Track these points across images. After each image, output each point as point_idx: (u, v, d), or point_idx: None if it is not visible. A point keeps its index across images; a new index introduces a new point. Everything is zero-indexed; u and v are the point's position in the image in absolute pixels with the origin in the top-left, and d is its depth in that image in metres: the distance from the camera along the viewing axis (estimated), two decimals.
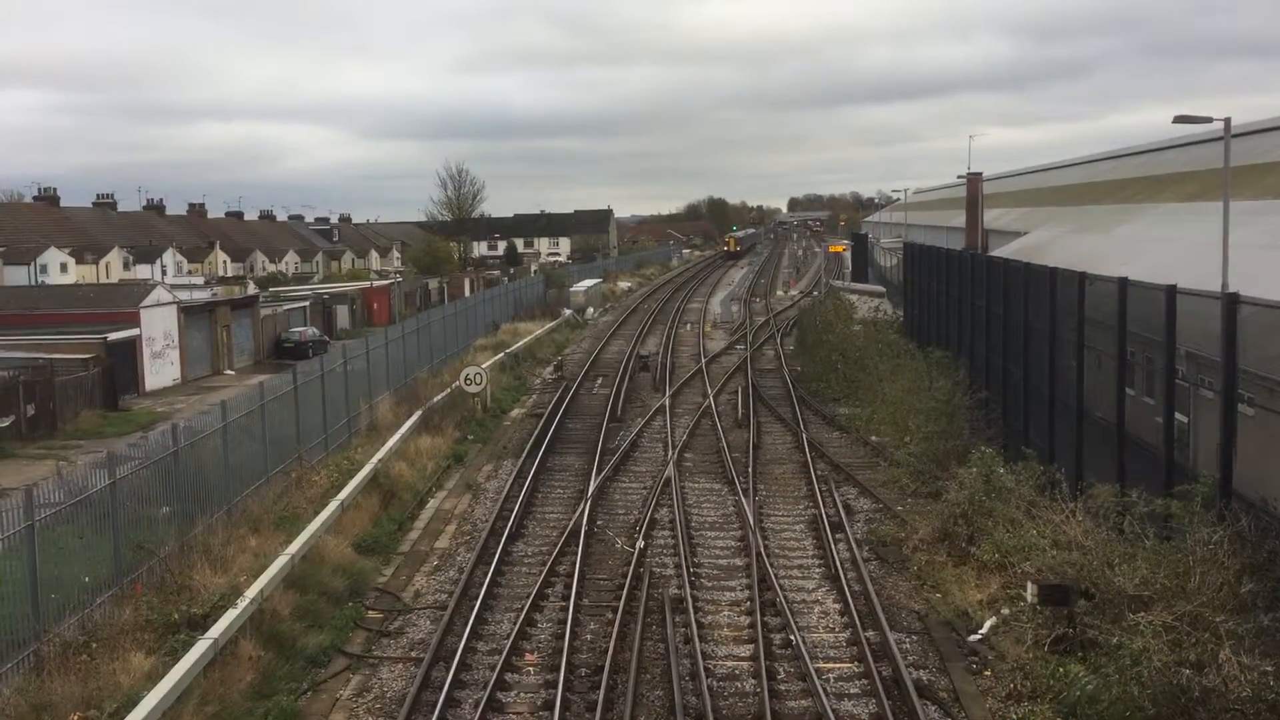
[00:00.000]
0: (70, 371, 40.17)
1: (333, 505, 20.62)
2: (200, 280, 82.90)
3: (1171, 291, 15.26)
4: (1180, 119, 19.16)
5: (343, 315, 70.33)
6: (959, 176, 48.49)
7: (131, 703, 12.32)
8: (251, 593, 15.60)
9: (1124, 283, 16.93)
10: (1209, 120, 19.17)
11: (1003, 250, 36.67)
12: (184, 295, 56.16)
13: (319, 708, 14.41)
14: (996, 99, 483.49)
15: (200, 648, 13.82)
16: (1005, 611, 15.73)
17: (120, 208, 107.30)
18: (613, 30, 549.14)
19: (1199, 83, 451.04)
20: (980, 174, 45.28)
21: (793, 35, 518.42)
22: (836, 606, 17.37)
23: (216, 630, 14.36)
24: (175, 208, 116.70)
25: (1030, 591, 14.58)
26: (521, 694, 14.57)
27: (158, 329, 48.97)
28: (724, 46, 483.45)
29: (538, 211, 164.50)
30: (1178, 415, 15.38)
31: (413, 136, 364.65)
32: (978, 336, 27.69)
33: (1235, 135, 19.22)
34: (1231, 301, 13.63)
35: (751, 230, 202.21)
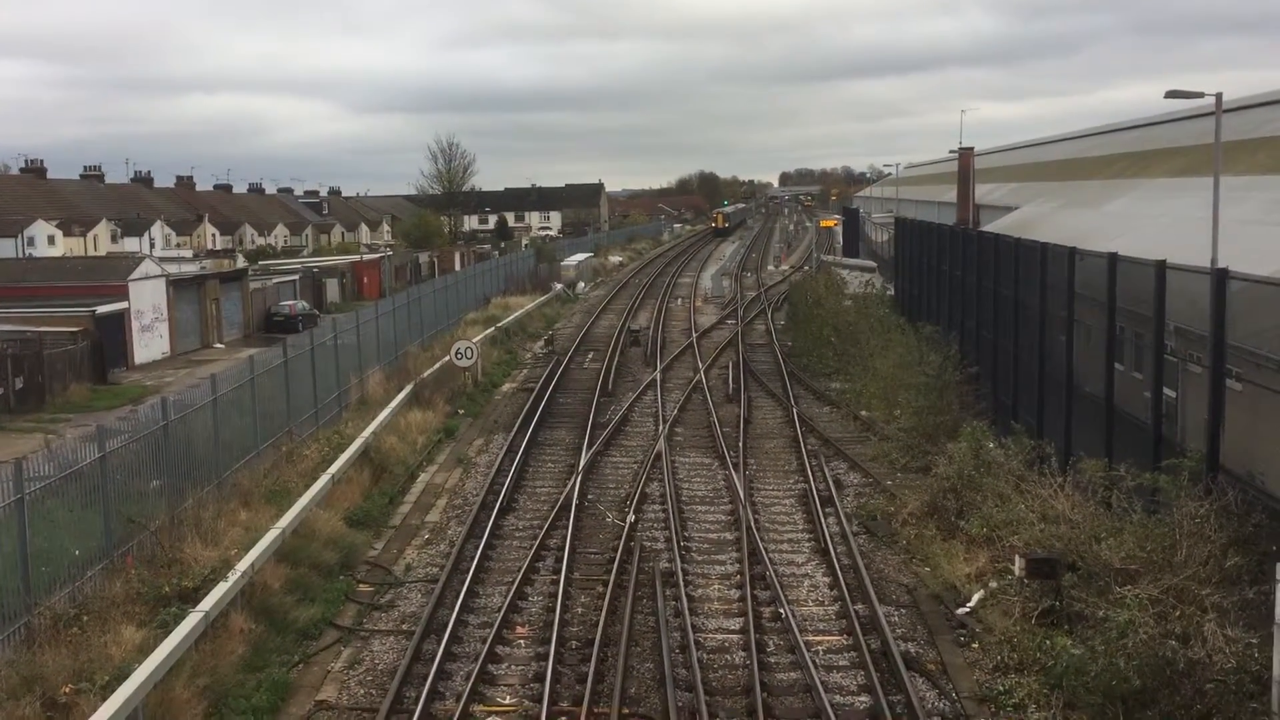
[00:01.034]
0: (59, 345, 39.99)
1: (323, 479, 20.62)
2: (189, 253, 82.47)
3: (1161, 267, 15.29)
4: (1172, 94, 19.12)
5: (333, 289, 70.10)
6: (950, 151, 48.48)
7: (123, 675, 12.35)
8: (242, 566, 15.63)
9: (1114, 258, 16.95)
10: (1201, 95, 19.14)
11: (994, 225, 36.67)
12: (173, 268, 55.83)
13: (310, 680, 14.46)
14: (986, 74, 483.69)
15: (191, 620, 13.84)
16: (993, 585, 15.84)
17: (108, 180, 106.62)
18: (599, 5, 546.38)
19: (1186, 59, 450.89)
20: (972, 149, 45.19)
21: (781, 10, 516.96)
22: (826, 580, 17.47)
23: (208, 603, 14.39)
24: (164, 180, 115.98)
25: (1018, 565, 14.68)
26: (512, 666, 14.64)
27: (146, 302, 48.76)
28: (713, 22, 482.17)
29: (529, 185, 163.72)
30: (1166, 390, 15.45)
31: (402, 110, 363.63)
32: (968, 311, 27.74)
33: (1226, 110, 19.19)
34: (1221, 277, 13.66)
35: (741, 205, 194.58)
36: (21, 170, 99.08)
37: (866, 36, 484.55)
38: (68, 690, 12.21)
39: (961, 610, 15.83)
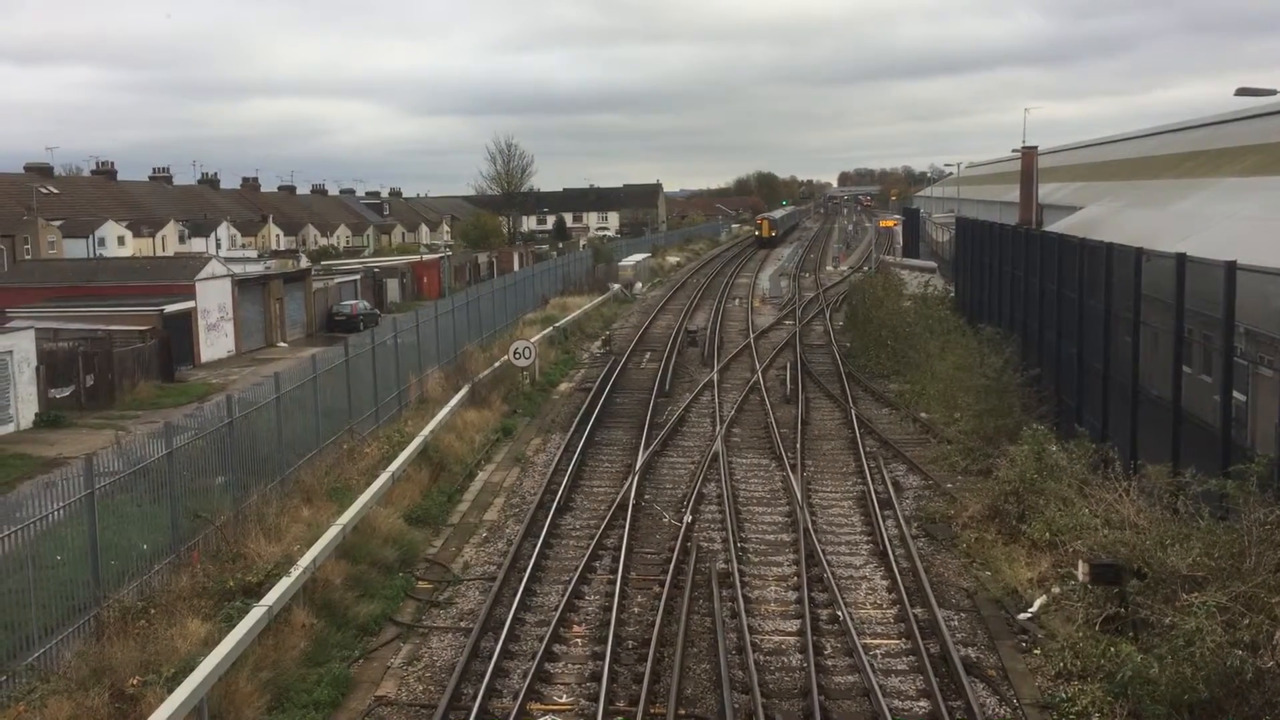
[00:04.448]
0: (128, 343, 40.88)
1: (383, 477, 20.85)
2: (254, 253, 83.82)
3: (1231, 268, 14.97)
4: (1243, 91, 18.77)
5: (393, 289, 70.87)
6: (1013, 150, 47.84)
7: (189, 667, 12.57)
8: (304, 562, 15.84)
9: (1182, 258, 16.63)
10: (1273, 93, 18.76)
11: (1057, 225, 36.12)
12: (238, 268, 56.82)
13: (370, 675, 14.63)
14: (1038, 74, 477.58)
15: (255, 615, 14.05)
16: (1055, 590, 15.61)
17: (175, 182, 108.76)
18: (647, 8, 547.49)
19: (1241, 57, 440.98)
20: (1035, 148, 44.52)
21: (829, 12, 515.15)
22: (884, 583, 17.32)
23: (271, 598, 14.60)
24: (229, 182, 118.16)
25: (1081, 570, 14.43)
26: (569, 665, 14.70)
27: (212, 301, 49.66)
28: (760, 24, 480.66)
29: (586, 186, 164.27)
30: (1236, 394, 15.12)
31: (459, 113, 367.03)
32: (1030, 313, 27.36)
33: None
34: None
35: (792, 208, 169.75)
36: (93, 173, 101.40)
37: (915, 37, 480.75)
38: (135, 682, 12.44)
39: (1023, 615, 15.62)
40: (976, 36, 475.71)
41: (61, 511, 13.84)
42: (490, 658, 14.47)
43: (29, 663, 12.87)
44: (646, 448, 25.75)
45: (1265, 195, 23.81)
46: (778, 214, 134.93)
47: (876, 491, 21.79)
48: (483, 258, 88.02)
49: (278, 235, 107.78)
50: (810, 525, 19.60)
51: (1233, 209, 26.75)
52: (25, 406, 34.37)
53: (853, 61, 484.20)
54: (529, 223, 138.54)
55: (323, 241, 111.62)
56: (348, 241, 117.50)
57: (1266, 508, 12.82)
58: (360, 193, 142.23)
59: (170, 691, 12.04)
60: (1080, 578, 14.51)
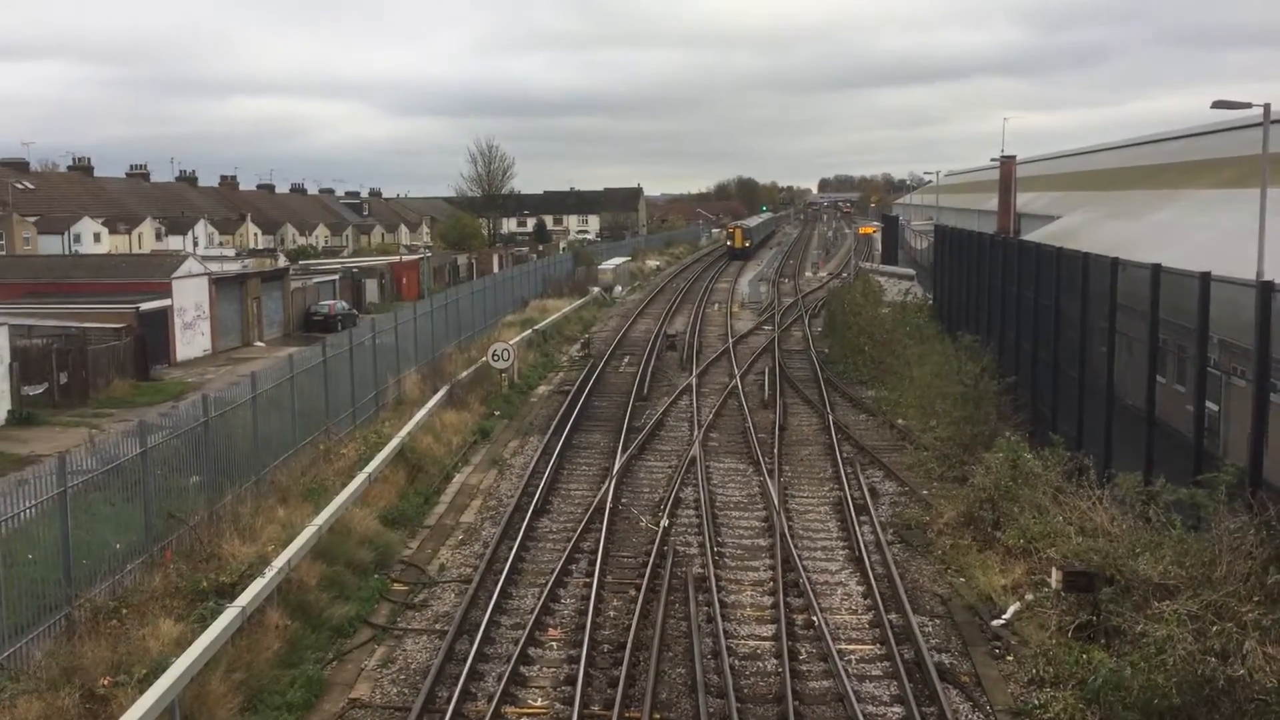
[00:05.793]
0: (103, 341, 40.56)
1: (360, 478, 20.77)
2: (231, 252, 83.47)
3: (1205, 278, 15.10)
4: (1219, 104, 18.92)
5: (372, 289, 70.61)
6: (992, 159, 48.08)
7: (160, 668, 12.48)
8: (279, 562, 15.76)
9: (1157, 269, 16.77)
10: (1248, 106, 18.93)
11: (1035, 235, 36.38)
12: (215, 267, 56.55)
13: (344, 677, 14.57)
14: (1015, 84, 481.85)
15: (228, 615, 13.98)
16: (1029, 597, 15.69)
17: (153, 179, 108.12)
18: (628, 14, 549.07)
19: (1213, 70, 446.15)
20: (1014, 157, 44.84)
21: (806, 20, 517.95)
22: (860, 588, 17.38)
23: (244, 599, 14.52)
24: (207, 180, 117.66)
25: (1055, 577, 14.54)
26: (544, 668, 14.68)
27: (189, 300, 49.36)
28: (740, 31, 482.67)
29: (567, 189, 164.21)
30: (1209, 403, 15.25)
31: (440, 114, 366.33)
32: (1008, 321, 27.52)
33: (1274, 121, 18.92)
34: (1266, 289, 13.48)
35: (769, 215, 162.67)
36: (69, 168, 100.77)
37: (894, 45, 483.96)
38: (106, 682, 12.35)
39: (997, 622, 15.71)
40: (954, 45, 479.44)
41: (33, 510, 13.73)
42: (465, 660, 14.44)
43: None
44: (624, 451, 25.74)
45: (1241, 207, 24.05)
46: (753, 221, 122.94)
47: (853, 497, 21.86)
48: (462, 259, 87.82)
49: (256, 234, 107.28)
50: (787, 530, 19.65)
51: (1209, 221, 27.01)
52: None
53: (832, 69, 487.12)
54: (509, 225, 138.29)
55: (301, 241, 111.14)
56: (326, 241, 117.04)
57: (1237, 516, 12.94)
58: (340, 192, 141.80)
59: (142, 692, 11.95)
60: (1054, 585, 14.61)
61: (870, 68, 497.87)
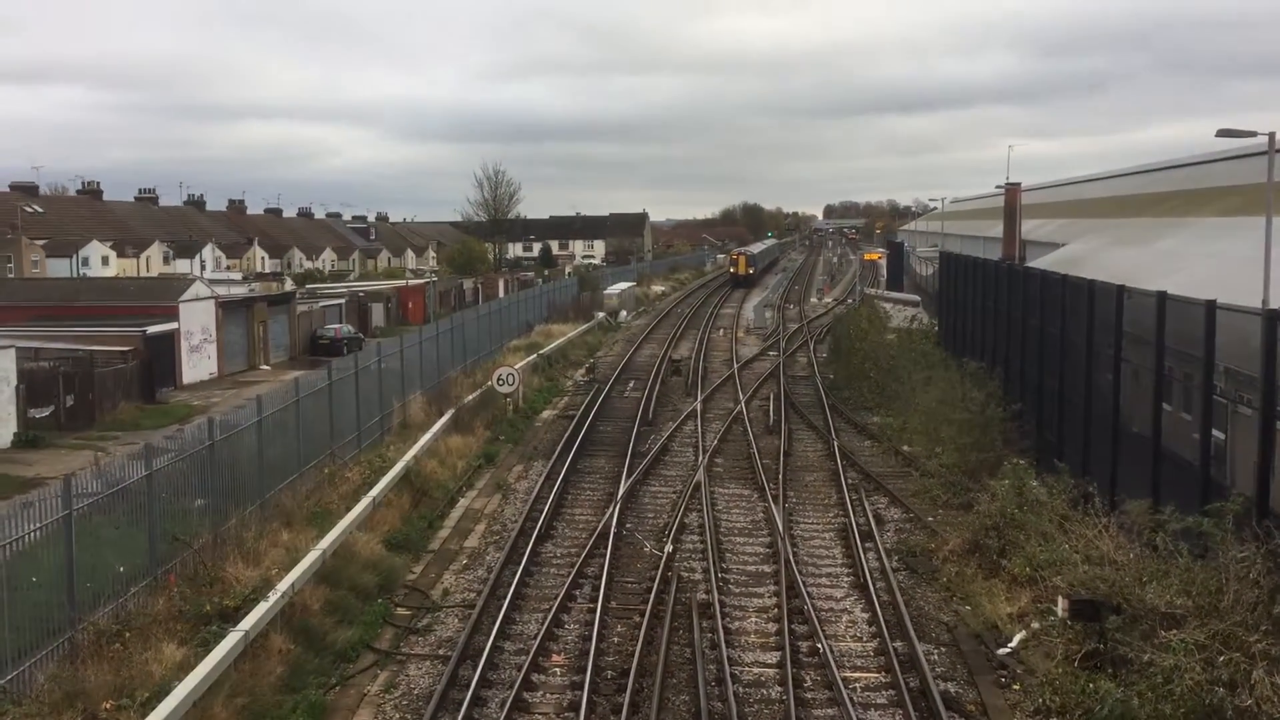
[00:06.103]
0: (109, 363, 40.66)
1: (364, 502, 20.76)
2: (238, 276, 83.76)
3: (1211, 306, 15.11)
4: (1224, 132, 18.96)
5: (378, 313, 70.79)
6: (997, 186, 48.18)
7: (163, 692, 12.46)
8: (283, 586, 15.74)
9: (1163, 297, 16.77)
10: (1253, 134, 18.96)
11: (1040, 261, 36.39)
12: (222, 290, 56.68)
13: (347, 702, 14.52)
14: (1016, 112, 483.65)
15: (231, 639, 13.95)
16: (1035, 625, 15.62)
17: (161, 203, 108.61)
18: (630, 41, 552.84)
19: (1215, 101, 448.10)
20: (1019, 184, 44.97)
21: (807, 48, 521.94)
22: (865, 616, 17.30)
23: (248, 623, 14.50)
24: (215, 204, 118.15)
25: (1061, 606, 14.46)
26: (547, 694, 14.61)
27: (196, 323, 49.49)
28: (741, 58, 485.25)
29: (573, 214, 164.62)
30: (1215, 432, 15.22)
31: (446, 139, 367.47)
32: (1013, 348, 27.50)
33: (1278, 150, 18.95)
34: (1272, 318, 13.47)
35: (774, 241, 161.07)
36: (78, 192, 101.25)
37: (892, 74, 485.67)
38: (108, 706, 12.33)
39: (1003, 650, 15.62)
40: (955, 73, 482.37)
41: (38, 532, 13.73)
42: (468, 686, 14.38)
43: (1, 685, 12.72)
44: (629, 476, 25.71)
45: (1247, 235, 24.06)
46: (757, 248, 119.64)
47: (858, 524, 21.79)
48: (468, 284, 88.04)
49: (263, 258, 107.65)
50: (791, 557, 19.59)
51: (1214, 249, 27.01)
52: (4, 426, 34.11)
53: (834, 96, 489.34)
54: (515, 249, 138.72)
55: (308, 265, 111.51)
56: (333, 265, 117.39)
57: (1244, 545, 12.88)
58: (347, 216, 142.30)
59: (144, 717, 11.93)
60: (1060, 613, 14.53)
61: (872, 95, 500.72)
